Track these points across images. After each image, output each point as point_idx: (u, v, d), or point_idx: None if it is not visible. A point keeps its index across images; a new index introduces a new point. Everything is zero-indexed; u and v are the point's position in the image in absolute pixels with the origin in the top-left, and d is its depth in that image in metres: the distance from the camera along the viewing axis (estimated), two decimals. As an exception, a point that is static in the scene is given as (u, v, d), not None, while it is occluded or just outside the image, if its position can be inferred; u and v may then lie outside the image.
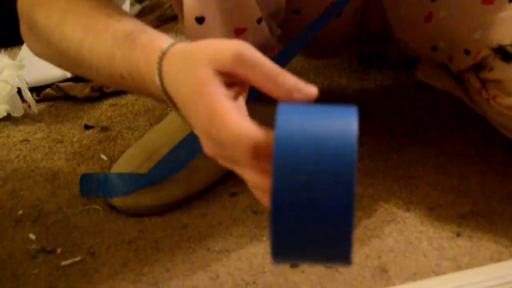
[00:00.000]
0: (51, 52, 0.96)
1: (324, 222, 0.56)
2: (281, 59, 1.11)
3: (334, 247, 0.57)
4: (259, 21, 1.03)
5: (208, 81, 0.68)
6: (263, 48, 1.07)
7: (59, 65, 1.00)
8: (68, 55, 0.91)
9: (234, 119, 0.65)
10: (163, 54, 0.75)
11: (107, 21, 0.86)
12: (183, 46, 0.75)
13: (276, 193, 0.56)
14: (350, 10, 1.18)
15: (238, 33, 1.02)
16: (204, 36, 0.97)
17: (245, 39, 1.03)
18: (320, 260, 0.59)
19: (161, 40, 0.78)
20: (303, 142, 0.56)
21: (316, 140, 0.56)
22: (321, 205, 0.55)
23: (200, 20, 0.96)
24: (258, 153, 0.64)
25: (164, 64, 0.75)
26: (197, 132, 0.71)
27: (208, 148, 0.70)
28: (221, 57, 0.68)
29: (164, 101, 0.77)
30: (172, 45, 0.75)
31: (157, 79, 0.75)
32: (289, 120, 0.58)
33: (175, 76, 0.73)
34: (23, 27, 0.99)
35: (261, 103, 1.13)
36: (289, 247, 0.58)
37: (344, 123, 0.56)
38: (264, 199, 0.67)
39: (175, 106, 0.76)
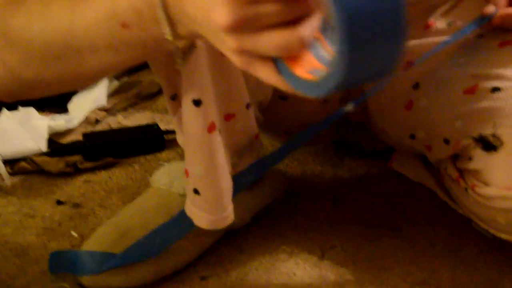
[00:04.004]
0: (31, 54, 0.84)
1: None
2: (280, 155, 1.13)
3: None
4: (247, 106, 1.04)
5: None
6: (248, 133, 1.09)
7: (40, 66, 0.83)
8: (55, 44, 0.82)
9: None
10: None
11: None
12: None
13: None
14: (335, 98, 1.20)
15: (228, 118, 1.03)
16: (198, 118, 0.97)
17: (234, 124, 1.04)
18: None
19: None
20: None
21: None
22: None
23: (197, 102, 0.97)
24: None
25: None
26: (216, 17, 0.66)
27: (231, 21, 0.65)
28: None
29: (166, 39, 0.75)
30: None
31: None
32: None
33: None
34: None
35: (246, 191, 1.14)
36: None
37: None
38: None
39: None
